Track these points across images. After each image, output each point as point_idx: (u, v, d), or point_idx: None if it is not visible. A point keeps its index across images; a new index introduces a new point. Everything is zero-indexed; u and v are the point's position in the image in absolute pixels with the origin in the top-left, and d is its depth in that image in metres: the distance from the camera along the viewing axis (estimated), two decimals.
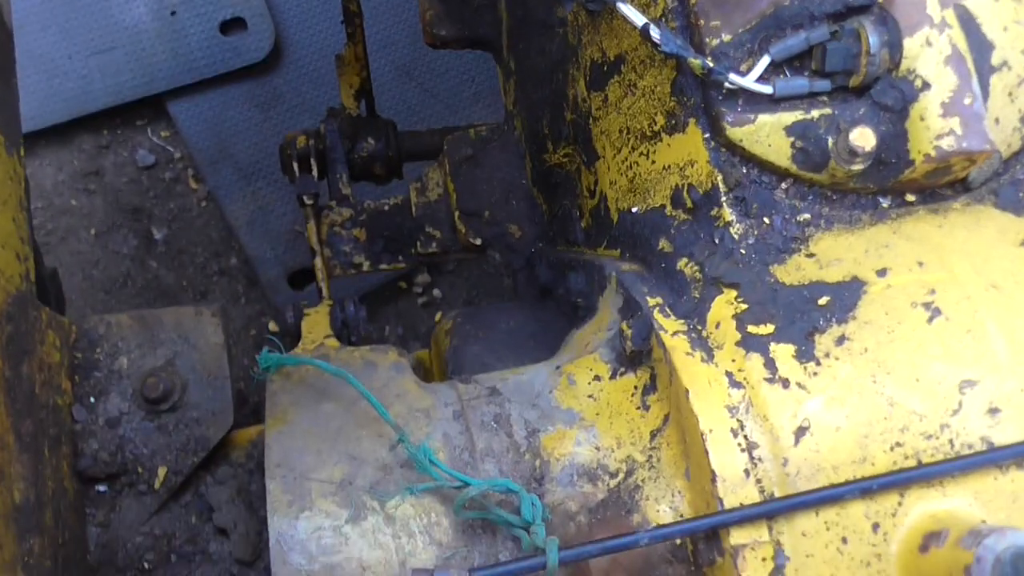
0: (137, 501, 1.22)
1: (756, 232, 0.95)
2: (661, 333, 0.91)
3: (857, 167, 0.92)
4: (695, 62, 0.92)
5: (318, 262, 1.57)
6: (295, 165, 1.59)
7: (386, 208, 1.66)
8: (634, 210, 1.10)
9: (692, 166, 0.99)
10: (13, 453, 1.02)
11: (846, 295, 0.89)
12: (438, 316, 1.40)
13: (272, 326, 2.89)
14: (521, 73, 1.51)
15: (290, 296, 2.82)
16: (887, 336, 0.86)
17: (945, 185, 0.97)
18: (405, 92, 2.83)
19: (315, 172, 1.60)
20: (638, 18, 0.94)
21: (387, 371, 1.04)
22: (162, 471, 1.21)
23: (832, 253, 0.93)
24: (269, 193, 2.93)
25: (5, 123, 1.16)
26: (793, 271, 0.92)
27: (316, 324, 1.16)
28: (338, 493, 0.89)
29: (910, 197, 0.97)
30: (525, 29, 1.42)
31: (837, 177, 0.94)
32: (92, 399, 1.20)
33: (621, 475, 0.90)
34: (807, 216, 0.96)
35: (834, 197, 0.97)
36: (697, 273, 0.95)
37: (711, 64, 0.92)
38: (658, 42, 0.93)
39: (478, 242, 1.59)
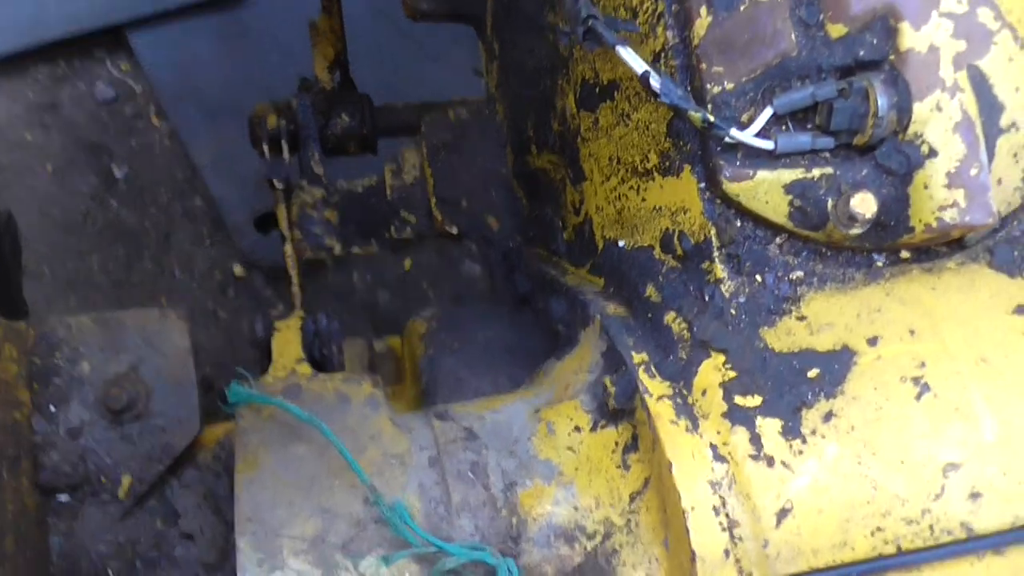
0: (100, 510, 1.19)
1: (747, 290, 0.92)
2: (646, 397, 0.89)
3: (856, 231, 0.89)
4: (695, 115, 0.88)
5: (288, 249, 1.52)
6: (265, 147, 1.52)
7: (359, 190, 1.60)
8: (620, 243, 1.06)
9: (684, 213, 0.96)
10: None
11: (836, 367, 0.88)
12: (410, 322, 1.36)
13: (238, 271, 2.83)
14: (505, 61, 1.44)
15: (256, 240, 2.75)
16: (874, 414, 0.85)
17: (941, 244, 0.95)
18: (379, 33, 2.72)
19: (286, 154, 1.53)
20: (638, 64, 0.89)
21: (361, 407, 1.01)
22: (126, 480, 1.19)
23: (824, 316, 0.91)
24: (235, 133, 2.80)
25: None
26: (783, 336, 0.90)
27: (287, 343, 1.12)
28: (311, 551, 0.87)
29: (905, 254, 0.95)
30: (512, 21, 1.35)
31: (834, 238, 0.91)
32: (52, 407, 1.16)
33: (599, 538, 0.89)
34: (800, 274, 0.93)
35: (828, 254, 0.94)
36: (685, 331, 0.92)
37: (712, 119, 0.87)
38: (658, 92, 0.88)
39: (454, 231, 1.55)
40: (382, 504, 0.86)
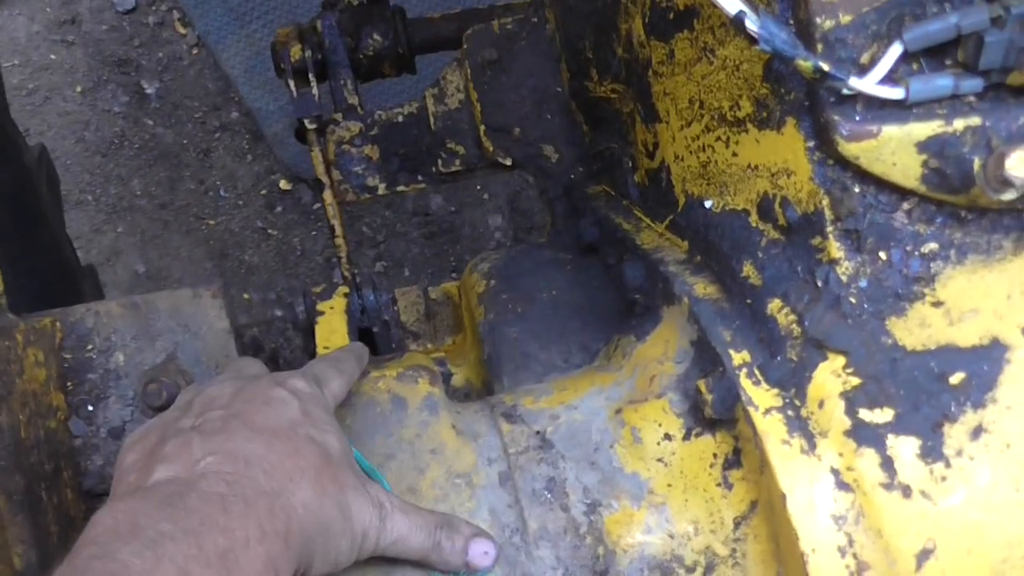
0: None
1: (869, 272, 0.76)
2: (751, 409, 0.75)
3: (1009, 196, 0.71)
4: (805, 64, 0.69)
5: (327, 195, 1.38)
6: (291, 82, 1.35)
7: (400, 119, 1.44)
8: (707, 204, 0.90)
9: (788, 176, 0.78)
10: (7, 518, 0.91)
11: (984, 367, 0.72)
12: (466, 274, 1.23)
13: (283, 184, 2.70)
14: None
15: (299, 151, 2.60)
16: None
17: None
18: None
19: (315, 87, 1.36)
20: (730, 3, 0.70)
21: (418, 413, 0.89)
22: None
23: (965, 300, 0.75)
24: (266, 36, 2.63)
25: None
26: (916, 329, 0.74)
27: (332, 332, 1.00)
28: None
29: None
30: None
31: (979, 203, 0.74)
32: (90, 407, 1.07)
33: (700, 570, 0.78)
34: (933, 246, 0.76)
35: (968, 217, 0.76)
36: (794, 325, 0.77)
37: (826, 68, 0.69)
38: (756, 37, 0.70)
39: (508, 162, 1.39)
40: None
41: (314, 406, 0.77)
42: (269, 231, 2.63)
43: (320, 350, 0.98)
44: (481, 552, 0.77)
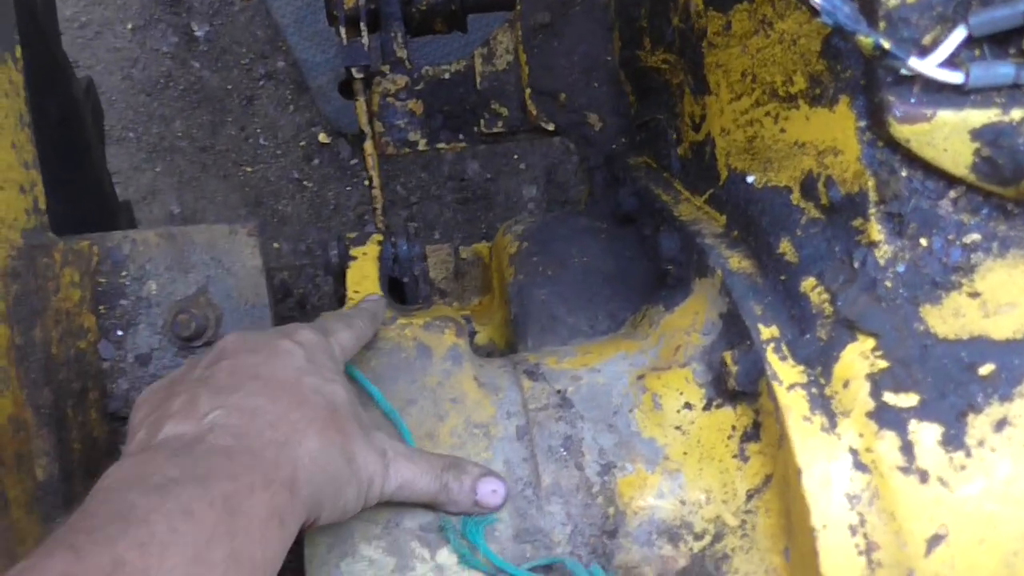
0: None
1: (908, 256, 0.75)
2: (775, 384, 0.75)
3: None
4: (866, 41, 0.69)
5: (368, 146, 1.38)
6: (342, 30, 1.35)
7: (446, 76, 1.44)
8: (749, 179, 0.89)
9: (835, 155, 0.78)
10: (32, 430, 0.93)
11: (1016, 362, 0.71)
12: (499, 235, 1.23)
13: (323, 137, 2.71)
14: None
15: (341, 106, 2.61)
16: None
17: None
18: None
19: (365, 37, 1.36)
20: None
21: (442, 362, 0.90)
22: None
23: (1003, 293, 0.74)
24: None
25: None
26: (950, 317, 0.74)
27: (364, 277, 1.01)
28: (384, 537, 0.78)
29: None
30: None
31: None
32: (120, 332, 1.09)
33: (708, 538, 0.78)
34: (976, 237, 0.75)
35: (1015, 212, 0.75)
36: (827, 304, 0.77)
37: (887, 46, 0.68)
38: (819, 9, 0.69)
39: (551, 127, 1.38)
40: (450, 529, 0.76)
41: (321, 355, 0.78)
42: (305, 183, 2.64)
43: (351, 294, 0.99)
44: (490, 491, 0.78)
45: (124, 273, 1.10)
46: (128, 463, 0.65)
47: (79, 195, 1.67)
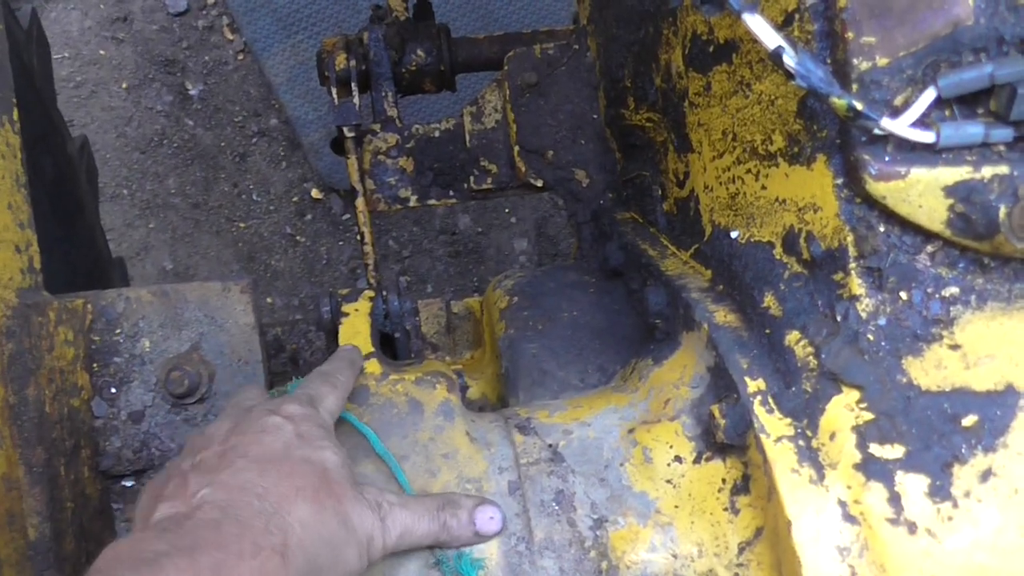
0: None
1: (889, 310, 0.77)
2: (762, 436, 0.76)
3: None
4: (839, 102, 0.71)
5: (360, 203, 1.41)
6: (333, 90, 1.39)
7: (436, 135, 1.47)
8: (733, 235, 0.91)
9: (815, 211, 0.80)
10: (24, 489, 0.93)
11: (997, 412, 0.73)
12: (489, 290, 1.24)
13: (315, 193, 2.74)
14: None
15: (333, 162, 2.65)
16: None
17: None
18: None
19: (356, 97, 1.39)
20: (770, 37, 0.72)
21: (434, 418, 0.91)
22: None
23: (983, 345, 0.76)
24: (310, 47, 2.69)
25: None
26: (932, 370, 0.75)
27: (356, 332, 1.02)
28: None
29: None
30: None
31: (1003, 251, 0.75)
32: (113, 389, 1.09)
33: None
34: (954, 290, 0.77)
35: (992, 265, 0.77)
36: (811, 357, 0.78)
37: (859, 107, 0.71)
38: (794, 72, 0.71)
39: (539, 183, 1.41)
40: (446, 566, 0.77)
41: (309, 426, 0.79)
42: (297, 238, 2.67)
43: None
44: (487, 518, 0.79)
45: (118, 331, 1.11)
46: (121, 543, 0.66)
47: (73, 252, 1.69)
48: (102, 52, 2.69)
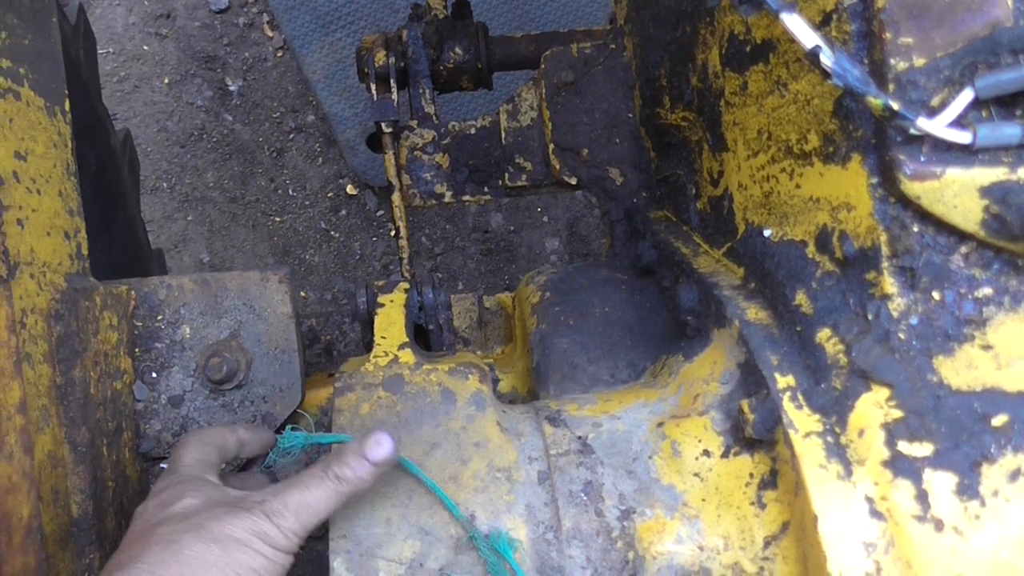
0: None
1: (921, 310, 0.77)
2: (791, 432, 0.77)
3: None
4: (876, 102, 0.72)
5: (396, 198, 1.43)
6: (372, 87, 1.41)
7: (472, 131, 1.49)
8: (766, 233, 0.92)
9: (848, 210, 0.80)
10: (68, 467, 0.96)
11: None
12: (521, 285, 1.26)
13: (350, 189, 2.78)
14: None
15: (368, 158, 2.68)
16: None
17: None
18: None
19: (395, 93, 1.42)
20: (808, 37, 0.73)
21: (466, 407, 0.92)
22: None
23: (1015, 346, 0.76)
24: (348, 45, 2.72)
25: (44, 80, 1.01)
26: (963, 369, 0.75)
27: (391, 324, 1.04)
28: None
29: None
30: None
31: None
32: (154, 374, 1.12)
33: None
34: (988, 291, 0.77)
35: None
36: (841, 355, 0.79)
37: (896, 107, 0.71)
38: (830, 72, 0.72)
39: (573, 181, 1.42)
40: (480, 540, 0.78)
41: (168, 493, 0.84)
42: (332, 233, 2.70)
43: (378, 339, 1.02)
44: (374, 444, 0.79)
45: (160, 317, 1.14)
46: None
47: (114, 242, 1.72)
48: (145, 48, 2.74)
